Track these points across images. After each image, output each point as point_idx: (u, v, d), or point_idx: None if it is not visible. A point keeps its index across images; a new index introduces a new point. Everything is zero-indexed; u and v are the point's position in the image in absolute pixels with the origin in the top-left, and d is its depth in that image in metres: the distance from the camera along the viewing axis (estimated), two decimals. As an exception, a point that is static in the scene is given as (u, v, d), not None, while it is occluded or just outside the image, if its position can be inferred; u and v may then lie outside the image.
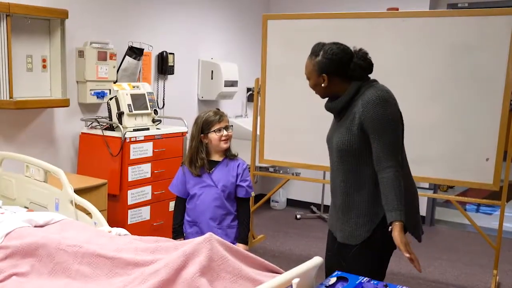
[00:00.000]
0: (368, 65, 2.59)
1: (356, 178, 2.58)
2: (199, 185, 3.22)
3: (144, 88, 4.41)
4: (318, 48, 2.63)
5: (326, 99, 2.73)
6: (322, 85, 2.61)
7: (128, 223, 4.15)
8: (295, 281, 1.77)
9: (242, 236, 3.25)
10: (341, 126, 2.61)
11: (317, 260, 1.97)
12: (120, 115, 4.13)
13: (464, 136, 4.16)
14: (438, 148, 4.23)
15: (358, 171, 2.57)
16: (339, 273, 2.05)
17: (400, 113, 2.56)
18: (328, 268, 2.68)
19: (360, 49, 2.62)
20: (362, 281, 1.98)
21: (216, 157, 3.24)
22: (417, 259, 2.38)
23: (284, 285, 1.77)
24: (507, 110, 4.02)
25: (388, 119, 2.45)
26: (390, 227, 2.42)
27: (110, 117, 4.23)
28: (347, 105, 2.59)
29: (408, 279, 4.61)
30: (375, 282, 1.98)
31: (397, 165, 2.46)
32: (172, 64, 5.28)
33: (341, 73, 2.58)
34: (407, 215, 2.58)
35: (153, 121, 4.37)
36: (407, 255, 2.36)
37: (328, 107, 2.70)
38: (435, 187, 6.10)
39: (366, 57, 2.60)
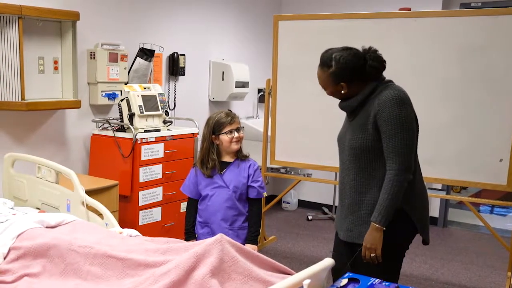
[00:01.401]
0: (381, 64, 2.59)
1: (367, 176, 2.57)
2: (210, 186, 3.22)
3: (155, 89, 4.41)
4: (328, 58, 2.62)
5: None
6: (342, 92, 2.62)
7: (139, 224, 4.15)
8: (306, 282, 1.76)
9: (251, 236, 3.24)
10: (354, 125, 2.60)
11: (328, 261, 1.96)
12: (131, 116, 4.14)
13: (477, 136, 4.12)
14: (451, 149, 4.19)
15: (370, 170, 2.56)
16: (350, 274, 2.03)
17: (415, 114, 2.56)
18: (335, 268, 2.67)
19: (370, 48, 2.61)
20: (374, 282, 1.96)
21: (227, 158, 3.23)
22: (370, 261, 2.54)
23: (295, 286, 1.76)
24: (521, 110, 3.98)
25: (401, 120, 2.45)
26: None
27: (121, 118, 4.23)
28: (362, 104, 2.58)
29: (420, 281, 4.58)
30: (386, 283, 1.96)
31: (398, 167, 2.46)
32: (183, 65, 5.28)
33: (358, 77, 2.58)
34: (417, 216, 2.58)
35: (164, 122, 4.37)
36: (364, 257, 2.54)
37: (342, 106, 2.69)
38: (448, 188, 6.06)
39: (377, 55, 2.59)
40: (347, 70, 2.56)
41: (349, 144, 2.61)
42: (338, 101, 2.72)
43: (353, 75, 2.57)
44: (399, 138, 2.45)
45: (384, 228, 2.48)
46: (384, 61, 2.60)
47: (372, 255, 2.51)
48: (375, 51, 2.60)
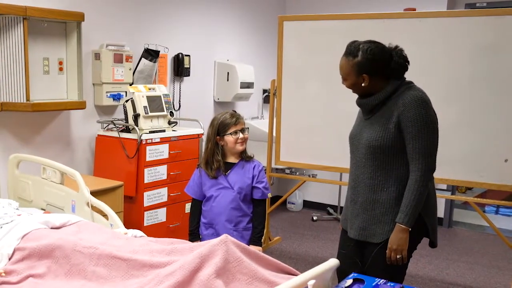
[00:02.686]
0: (406, 63, 2.60)
1: (384, 175, 2.57)
2: (215, 187, 3.21)
3: (160, 90, 4.42)
4: (354, 48, 2.60)
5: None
6: (363, 84, 2.60)
7: (144, 225, 4.15)
8: (311, 282, 1.76)
9: (255, 237, 3.23)
10: (373, 123, 2.60)
11: (333, 262, 1.96)
12: (136, 117, 4.14)
13: (482, 137, 4.11)
14: (456, 149, 4.18)
15: (388, 168, 2.56)
16: (355, 275, 2.03)
17: (436, 116, 2.56)
18: (342, 267, 2.67)
19: (396, 46, 2.62)
20: (379, 283, 1.96)
21: (232, 159, 3.23)
22: (397, 262, 2.53)
23: (300, 287, 1.76)
24: (526, 110, 3.97)
25: (427, 121, 2.47)
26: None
27: (126, 119, 4.24)
28: (382, 103, 2.58)
29: (426, 281, 4.57)
30: (391, 284, 1.95)
31: (425, 168, 2.48)
32: (188, 66, 5.29)
33: (382, 72, 2.58)
34: (429, 219, 2.58)
35: (169, 123, 4.37)
36: (390, 258, 2.52)
37: (360, 103, 2.69)
38: (453, 189, 6.05)
39: (403, 54, 2.60)
40: (373, 62, 2.55)
41: (367, 142, 2.59)
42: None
43: (378, 68, 2.56)
44: (425, 139, 2.47)
45: (410, 229, 2.48)
46: (408, 62, 2.61)
47: (398, 256, 2.51)
48: (402, 50, 2.61)
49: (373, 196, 2.61)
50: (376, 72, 2.57)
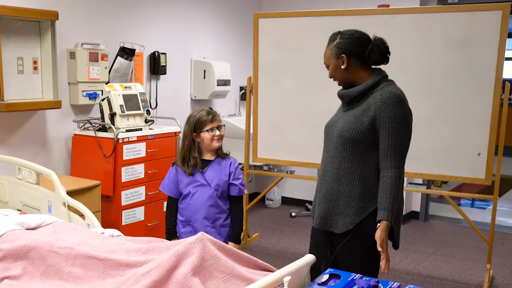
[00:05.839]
0: (385, 50, 2.60)
1: (351, 168, 2.59)
2: (192, 184, 3.22)
3: (136, 88, 4.40)
4: (335, 33, 2.65)
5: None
6: (342, 67, 2.60)
7: (122, 224, 4.14)
8: (286, 279, 1.77)
9: (234, 235, 3.26)
10: (349, 115, 2.61)
11: (309, 258, 1.98)
12: (112, 116, 4.13)
13: (456, 131, 4.18)
14: (431, 143, 4.24)
15: (355, 162, 2.58)
16: (331, 270, 2.05)
17: (412, 115, 2.59)
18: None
19: (380, 38, 2.63)
20: (355, 277, 1.98)
21: (208, 156, 3.24)
22: (388, 260, 2.47)
23: (276, 284, 1.77)
24: (498, 104, 4.04)
25: (404, 120, 2.50)
26: (378, 224, 2.50)
27: (102, 118, 4.22)
28: (362, 95, 2.60)
29: (402, 275, 4.62)
30: (367, 278, 1.98)
31: (400, 165, 2.51)
32: (164, 64, 5.28)
33: (359, 55, 2.58)
34: (398, 219, 2.61)
35: (146, 121, 4.36)
36: (381, 251, 2.45)
37: (340, 94, 2.69)
38: (428, 183, 6.12)
39: (383, 41, 2.61)
40: (351, 40, 2.57)
41: (339, 132, 2.60)
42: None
43: (355, 48, 2.57)
44: (401, 137, 2.50)
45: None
46: (389, 51, 2.62)
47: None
48: (383, 39, 2.62)
49: (338, 187, 2.62)
50: (354, 53, 2.57)
